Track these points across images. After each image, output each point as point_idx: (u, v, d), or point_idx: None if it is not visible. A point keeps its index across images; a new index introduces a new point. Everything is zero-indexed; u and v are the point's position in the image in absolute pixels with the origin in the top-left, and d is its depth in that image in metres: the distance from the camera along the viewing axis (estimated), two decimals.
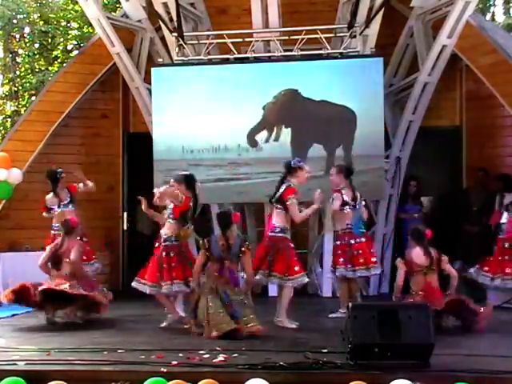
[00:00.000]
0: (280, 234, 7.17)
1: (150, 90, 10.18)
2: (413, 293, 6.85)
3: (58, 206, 8.84)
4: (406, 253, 7.05)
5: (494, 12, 18.18)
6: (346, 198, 7.86)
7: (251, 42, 9.80)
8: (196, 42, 10.02)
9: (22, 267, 9.31)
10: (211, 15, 10.64)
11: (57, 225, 8.56)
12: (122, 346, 5.85)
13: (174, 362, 5.12)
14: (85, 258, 8.42)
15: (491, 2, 18.00)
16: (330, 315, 7.63)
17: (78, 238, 8.25)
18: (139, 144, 10.50)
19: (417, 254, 6.91)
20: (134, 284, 7.32)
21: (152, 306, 7.65)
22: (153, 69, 10.02)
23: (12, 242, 10.13)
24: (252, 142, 9.70)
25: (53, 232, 8.69)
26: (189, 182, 7.34)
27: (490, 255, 8.33)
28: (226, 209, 7.21)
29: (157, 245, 7.40)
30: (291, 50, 9.64)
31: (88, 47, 11.03)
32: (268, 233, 7.33)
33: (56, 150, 10.54)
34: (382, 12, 9.58)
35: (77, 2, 12.25)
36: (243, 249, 6.73)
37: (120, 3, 11.65)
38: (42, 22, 16.14)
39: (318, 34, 9.55)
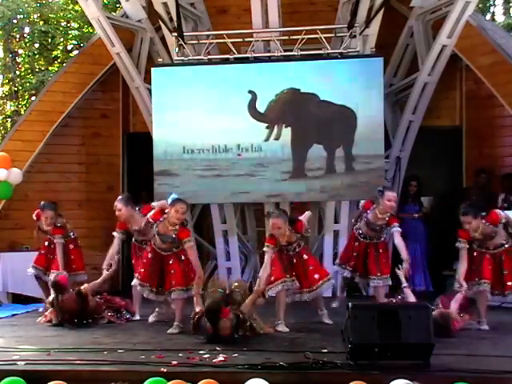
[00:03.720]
0: None
1: (150, 90, 10.17)
2: None
3: None
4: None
5: (494, 12, 18.20)
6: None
7: (251, 42, 9.79)
8: (196, 42, 10.01)
9: (22, 267, 9.31)
10: (211, 15, 10.64)
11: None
12: (122, 346, 5.86)
13: (174, 362, 5.12)
14: (74, 266, 8.39)
15: (491, 2, 18.01)
16: None
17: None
18: (139, 144, 10.50)
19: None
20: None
21: (152, 306, 7.64)
22: (153, 69, 10.01)
23: (12, 242, 10.14)
24: (255, 112, 9.66)
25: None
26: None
27: None
28: (216, 302, 6.29)
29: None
30: (291, 50, 9.64)
31: (88, 47, 11.03)
32: None
33: (56, 150, 10.55)
34: (382, 12, 9.58)
35: (77, 2, 12.24)
36: (242, 332, 6.29)
37: (120, 3, 11.66)
38: (42, 22, 16.14)
39: (317, 33, 9.55)
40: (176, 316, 7.00)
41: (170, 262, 7.06)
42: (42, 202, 8.48)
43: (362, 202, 7.73)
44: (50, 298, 7.53)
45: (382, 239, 7.63)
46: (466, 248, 7.00)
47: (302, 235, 7.20)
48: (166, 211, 7.01)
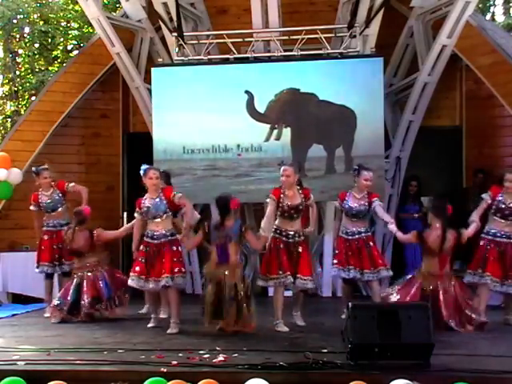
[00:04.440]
0: None
1: (150, 90, 10.18)
2: (421, 271, 7.00)
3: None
4: (424, 232, 7.00)
5: (494, 12, 18.21)
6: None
7: (251, 42, 9.80)
8: (196, 41, 10.02)
9: (22, 267, 9.34)
10: (211, 15, 10.65)
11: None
12: (122, 346, 5.86)
13: (174, 362, 5.12)
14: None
15: (491, 2, 18.01)
16: None
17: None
18: (139, 144, 10.48)
19: (433, 237, 6.89)
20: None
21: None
22: (153, 69, 10.02)
23: (12, 242, 10.14)
24: (254, 112, 9.67)
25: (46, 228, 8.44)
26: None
27: None
28: (225, 194, 7.05)
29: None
30: (291, 50, 9.65)
31: (88, 47, 11.04)
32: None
33: (56, 150, 10.55)
34: (382, 12, 9.59)
35: (77, 2, 12.25)
36: (243, 230, 6.84)
37: (120, 3, 11.66)
38: (42, 22, 16.14)
39: (317, 33, 9.56)
40: (172, 313, 6.98)
41: (164, 250, 6.96)
42: (34, 168, 8.51)
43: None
44: (69, 226, 7.87)
45: (369, 233, 7.67)
46: (488, 202, 7.14)
47: (305, 231, 7.20)
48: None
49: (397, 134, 10.07)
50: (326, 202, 9.73)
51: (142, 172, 7.18)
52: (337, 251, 7.70)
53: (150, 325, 7.21)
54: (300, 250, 7.09)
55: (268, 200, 7.10)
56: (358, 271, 7.49)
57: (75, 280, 7.74)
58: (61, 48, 16.81)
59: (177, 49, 9.92)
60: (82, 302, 7.59)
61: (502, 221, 7.13)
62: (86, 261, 7.80)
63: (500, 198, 7.13)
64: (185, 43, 9.87)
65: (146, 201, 7.12)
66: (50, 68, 16.29)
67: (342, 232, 7.63)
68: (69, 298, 7.64)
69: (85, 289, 7.65)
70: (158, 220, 7.04)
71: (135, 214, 7.23)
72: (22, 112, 14.94)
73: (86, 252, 7.80)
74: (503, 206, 7.11)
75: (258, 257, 9.73)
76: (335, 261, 7.65)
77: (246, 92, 9.65)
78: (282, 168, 7.10)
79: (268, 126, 9.71)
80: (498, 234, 7.13)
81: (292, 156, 9.58)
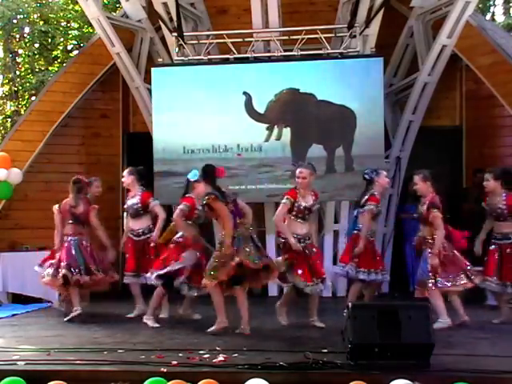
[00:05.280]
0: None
1: (150, 90, 10.18)
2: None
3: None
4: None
5: (494, 12, 18.22)
6: None
7: (251, 42, 9.81)
8: (196, 42, 10.03)
9: (22, 267, 9.33)
10: (211, 15, 10.65)
11: None
12: (122, 346, 5.87)
13: (174, 362, 5.12)
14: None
15: (491, 2, 18.02)
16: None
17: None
18: (139, 144, 10.49)
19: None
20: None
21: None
22: (153, 69, 10.02)
23: (12, 242, 10.13)
24: (253, 112, 9.69)
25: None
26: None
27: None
28: (210, 164, 7.08)
29: None
30: (291, 50, 9.65)
31: (88, 47, 11.04)
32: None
33: (56, 150, 10.55)
34: (382, 12, 9.59)
35: (77, 2, 12.25)
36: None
37: (120, 3, 11.66)
38: (42, 22, 16.15)
39: (317, 33, 9.56)
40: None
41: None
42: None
43: (370, 206, 7.54)
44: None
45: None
46: (487, 209, 7.39)
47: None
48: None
49: (397, 134, 10.08)
50: (326, 202, 9.73)
51: (195, 176, 7.18)
52: (359, 251, 7.48)
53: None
54: (314, 250, 7.21)
55: (284, 200, 7.10)
56: (374, 272, 7.51)
57: (74, 243, 7.83)
58: (61, 48, 16.83)
59: (177, 49, 9.92)
60: (91, 266, 7.78)
61: (499, 222, 7.34)
62: (83, 230, 7.96)
63: (488, 201, 7.39)
64: (185, 43, 9.87)
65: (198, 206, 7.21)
66: (50, 68, 16.29)
67: (371, 236, 7.62)
68: (77, 263, 7.73)
69: (87, 253, 7.86)
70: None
71: (183, 207, 7.12)
72: (22, 112, 14.94)
73: (83, 220, 7.96)
74: (489, 208, 7.39)
75: None
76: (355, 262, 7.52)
77: (244, 93, 9.66)
78: (298, 170, 7.14)
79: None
80: (498, 237, 7.34)
81: (292, 156, 9.57)
